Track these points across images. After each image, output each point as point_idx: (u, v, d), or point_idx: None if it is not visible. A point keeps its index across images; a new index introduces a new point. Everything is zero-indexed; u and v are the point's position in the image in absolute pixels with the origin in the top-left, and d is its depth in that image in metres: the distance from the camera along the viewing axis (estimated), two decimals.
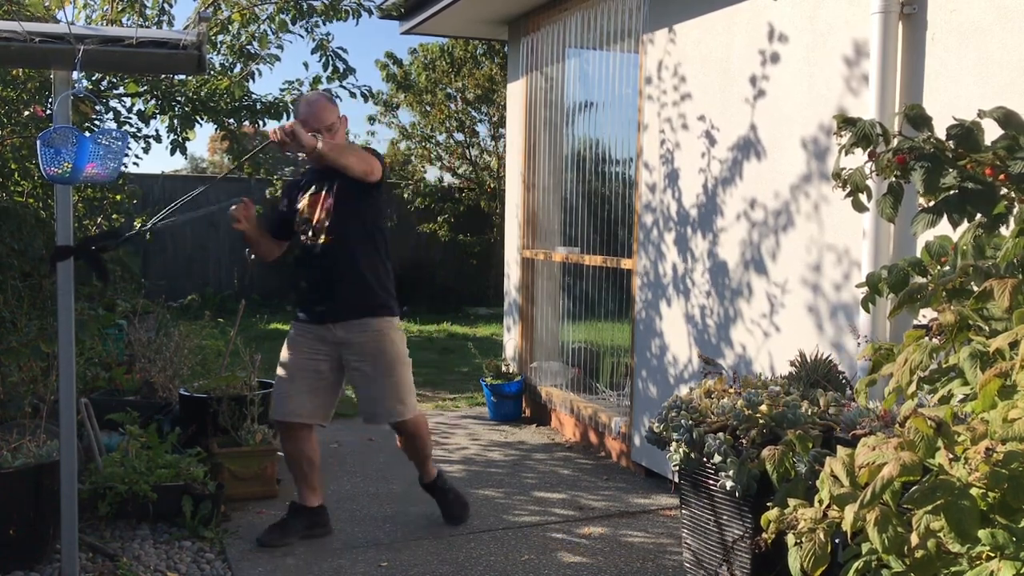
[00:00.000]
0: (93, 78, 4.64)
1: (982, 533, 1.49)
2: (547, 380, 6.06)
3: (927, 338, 1.88)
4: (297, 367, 3.76)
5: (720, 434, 3.06)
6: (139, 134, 4.97)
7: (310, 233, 3.72)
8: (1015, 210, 1.93)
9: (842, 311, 3.55)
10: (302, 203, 3.75)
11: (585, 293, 5.71)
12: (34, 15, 4.15)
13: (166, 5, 4.85)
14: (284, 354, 3.81)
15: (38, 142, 2.66)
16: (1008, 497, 1.52)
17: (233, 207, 3.63)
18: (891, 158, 1.98)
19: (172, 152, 5.05)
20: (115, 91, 4.80)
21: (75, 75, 2.88)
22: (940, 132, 2.02)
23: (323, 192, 3.70)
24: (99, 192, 5.39)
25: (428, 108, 13.32)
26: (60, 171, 2.67)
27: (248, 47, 4.93)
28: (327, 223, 3.67)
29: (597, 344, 5.88)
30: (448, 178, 13.99)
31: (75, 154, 2.66)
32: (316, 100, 3.70)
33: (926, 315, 2.22)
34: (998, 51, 2.93)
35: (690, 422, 3.17)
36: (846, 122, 2.08)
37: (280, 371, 3.81)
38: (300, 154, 3.46)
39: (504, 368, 6.31)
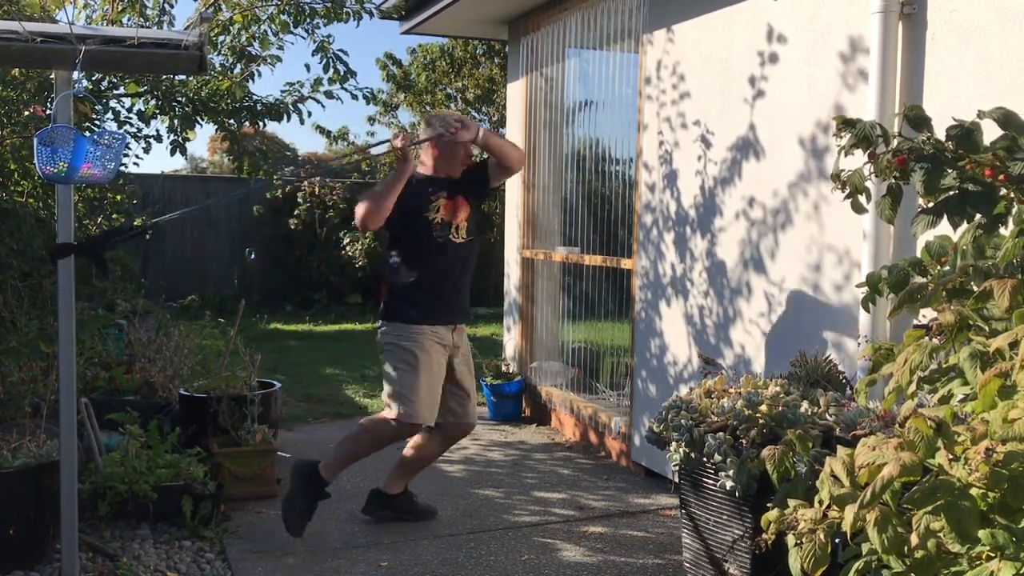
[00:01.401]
0: (93, 78, 4.64)
1: (982, 533, 1.49)
2: (547, 380, 6.06)
3: (927, 338, 1.89)
4: (438, 373, 3.84)
5: (720, 434, 3.06)
6: (139, 134, 4.97)
7: (450, 233, 3.86)
8: (1015, 210, 1.94)
9: (842, 311, 3.56)
10: (438, 206, 3.85)
11: (585, 293, 5.72)
12: (32, 16, 4.15)
13: (167, 5, 4.84)
14: (422, 356, 3.77)
15: (35, 141, 2.66)
16: (1008, 497, 1.52)
17: (393, 137, 3.88)
18: (891, 159, 1.98)
19: (172, 152, 5.04)
20: (115, 91, 4.79)
21: (75, 75, 2.88)
22: (940, 132, 2.02)
23: (458, 197, 3.89)
24: (99, 192, 5.39)
25: (428, 108, 13.31)
26: (56, 170, 2.67)
27: (249, 48, 4.93)
28: (468, 226, 3.91)
29: (597, 344, 5.88)
30: None
31: (71, 154, 2.65)
32: (474, 124, 3.92)
33: (926, 315, 2.22)
34: (998, 51, 2.93)
35: (690, 422, 3.17)
36: (846, 123, 2.08)
37: (418, 374, 3.75)
38: (465, 139, 3.77)
39: (504, 368, 6.31)
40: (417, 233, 3.84)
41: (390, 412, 3.79)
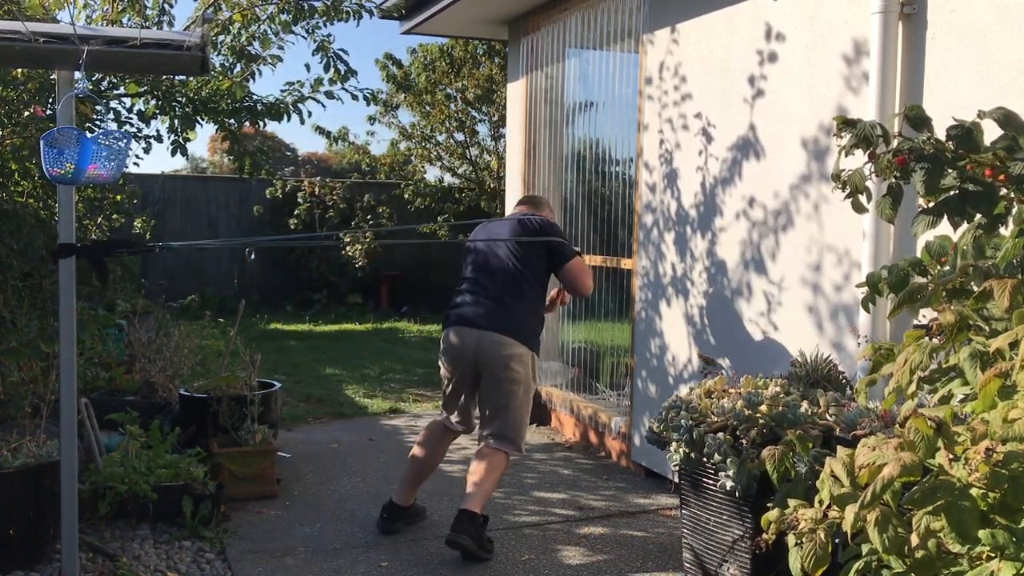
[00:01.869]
0: (93, 78, 4.64)
1: (982, 533, 1.49)
2: (547, 380, 6.06)
3: (927, 338, 1.89)
4: None
5: (720, 434, 3.07)
6: (140, 134, 4.96)
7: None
8: (1015, 210, 1.94)
9: (842, 311, 3.56)
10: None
11: None
12: (33, 16, 4.15)
13: (166, 5, 4.84)
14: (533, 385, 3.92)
15: (41, 143, 2.67)
16: (1008, 497, 1.52)
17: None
18: (891, 159, 1.98)
19: (173, 153, 5.04)
20: (115, 91, 4.79)
21: (77, 75, 2.88)
22: (940, 132, 2.02)
23: None
24: (99, 192, 5.39)
25: (428, 108, 13.32)
26: (63, 172, 2.68)
27: (249, 48, 4.92)
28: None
29: (597, 344, 5.88)
30: (448, 178, 14.00)
31: (78, 155, 2.66)
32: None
33: (926, 315, 2.22)
34: (998, 51, 2.93)
35: (690, 422, 3.17)
36: (846, 123, 2.08)
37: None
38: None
39: None
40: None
41: (509, 447, 3.78)
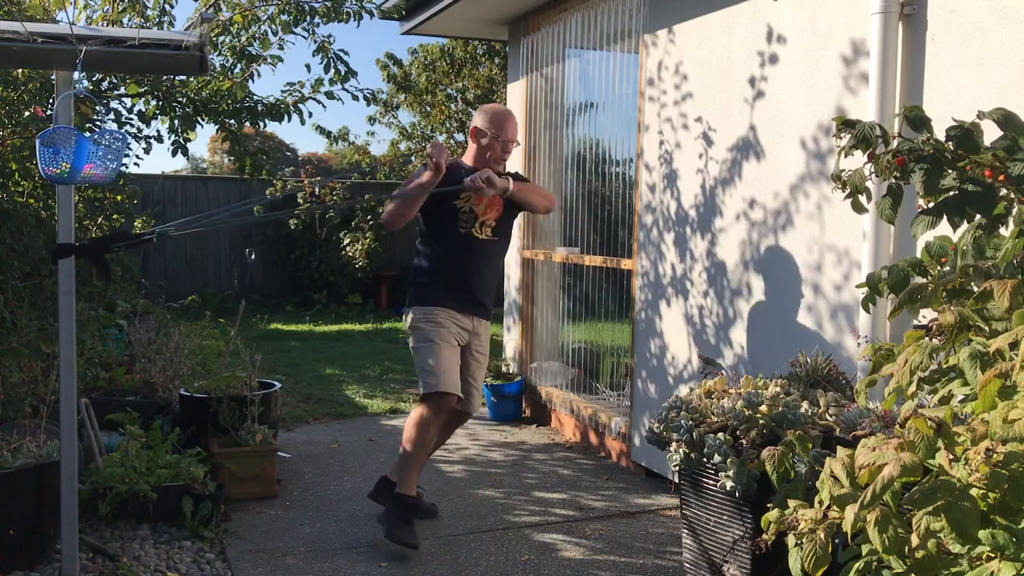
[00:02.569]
0: (94, 79, 4.64)
1: (982, 534, 1.49)
2: (547, 380, 6.06)
3: (927, 338, 1.89)
4: (456, 347, 3.93)
5: (720, 434, 3.07)
6: (140, 135, 4.97)
7: (473, 227, 3.93)
8: (1015, 211, 1.94)
9: (842, 311, 3.56)
10: (469, 196, 3.90)
11: (585, 293, 5.72)
12: (33, 16, 4.15)
13: (167, 6, 4.84)
14: (440, 331, 3.86)
15: (37, 142, 2.67)
16: (1008, 498, 1.52)
17: (430, 150, 3.79)
18: (891, 160, 1.99)
19: (173, 153, 5.04)
20: (116, 92, 4.80)
21: (76, 75, 2.88)
22: (940, 133, 2.02)
23: (496, 196, 3.92)
24: (99, 192, 5.39)
25: (428, 109, 13.33)
26: (58, 171, 2.68)
27: (249, 48, 4.93)
28: (495, 225, 3.97)
29: (597, 344, 5.88)
30: None
31: (73, 154, 2.66)
32: (511, 116, 3.99)
33: (926, 315, 2.22)
34: (998, 51, 2.93)
35: (690, 422, 3.17)
36: (846, 124, 2.08)
37: (437, 347, 3.83)
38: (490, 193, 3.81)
39: (504, 368, 6.32)
40: (441, 219, 3.93)
41: (422, 389, 3.86)
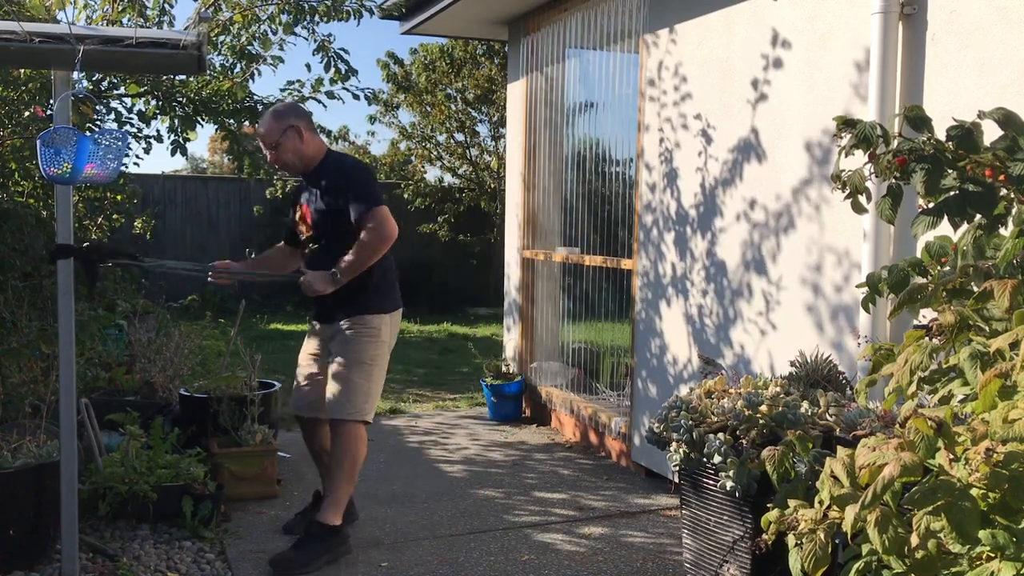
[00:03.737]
0: (94, 78, 4.64)
1: (982, 534, 1.49)
2: (547, 380, 6.06)
3: (927, 338, 1.89)
4: (303, 362, 3.90)
5: (720, 434, 3.06)
6: (140, 134, 4.97)
7: (301, 239, 3.83)
8: (1014, 211, 1.94)
9: (842, 311, 3.56)
10: (298, 212, 3.83)
11: (585, 293, 5.72)
12: (35, 16, 4.15)
13: (166, 5, 4.84)
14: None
15: (38, 142, 2.67)
16: (1008, 498, 1.52)
17: (210, 278, 3.77)
18: (891, 160, 1.98)
19: (173, 153, 5.04)
20: (116, 91, 4.79)
21: (75, 75, 2.88)
22: (940, 133, 2.02)
23: (308, 201, 3.75)
24: (99, 192, 5.39)
25: (428, 108, 13.32)
26: (60, 171, 2.68)
27: (249, 48, 4.93)
28: (310, 231, 3.74)
29: (597, 344, 5.88)
30: (448, 178, 14.01)
31: (74, 154, 2.66)
32: (261, 121, 3.75)
33: (926, 315, 2.22)
34: (998, 51, 2.93)
35: (690, 422, 3.17)
36: (846, 124, 2.08)
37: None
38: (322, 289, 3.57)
39: (504, 368, 6.32)
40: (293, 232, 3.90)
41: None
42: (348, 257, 3.51)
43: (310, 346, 3.87)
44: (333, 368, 3.65)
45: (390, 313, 3.71)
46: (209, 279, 3.77)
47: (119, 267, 4.20)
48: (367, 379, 3.64)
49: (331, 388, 3.65)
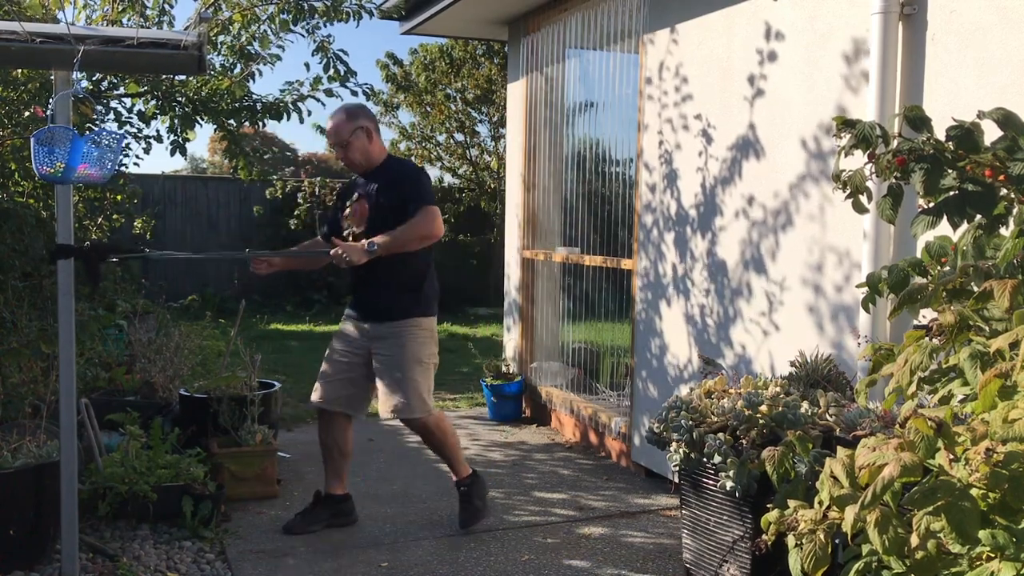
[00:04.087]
0: (94, 78, 4.64)
1: (982, 534, 1.49)
2: (547, 380, 6.06)
3: (927, 338, 1.88)
4: (337, 356, 3.99)
5: (720, 434, 3.06)
6: (140, 134, 4.97)
7: (348, 234, 3.88)
8: (1015, 211, 1.94)
9: (842, 311, 3.55)
10: (347, 210, 3.92)
11: (585, 293, 5.72)
12: (34, 16, 4.15)
13: (166, 5, 4.84)
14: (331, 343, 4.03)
15: (32, 140, 2.66)
16: (1008, 498, 1.52)
17: (251, 268, 3.84)
18: (891, 160, 1.98)
19: (172, 153, 5.04)
20: (115, 91, 4.79)
21: (75, 75, 2.87)
22: (940, 133, 2.02)
23: (362, 199, 3.86)
24: (99, 192, 5.39)
25: (428, 109, 13.32)
26: (53, 170, 2.67)
27: (248, 48, 4.92)
28: (361, 227, 3.83)
29: (597, 344, 5.88)
30: (448, 178, 14.01)
31: (68, 154, 2.65)
32: (333, 116, 3.87)
33: (926, 315, 2.22)
34: (998, 51, 2.93)
35: (690, 422, 3.17)
36: (846, 124, 2.08)
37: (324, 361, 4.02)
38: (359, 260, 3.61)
39: (504, 368, 6.31)
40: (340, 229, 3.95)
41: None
42: (389, 234, 3.62)
43: (346, 342, 3.96)
44: (388, 370, 3.80)
45: (435, 316, 3.93)
46: (252, 268, 3.85)
47: (160, 260, 4.35)
48: (426, 377, 3.86)
49: (391, 391, 3.80)
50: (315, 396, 4.00)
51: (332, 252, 3.60)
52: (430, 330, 3.87)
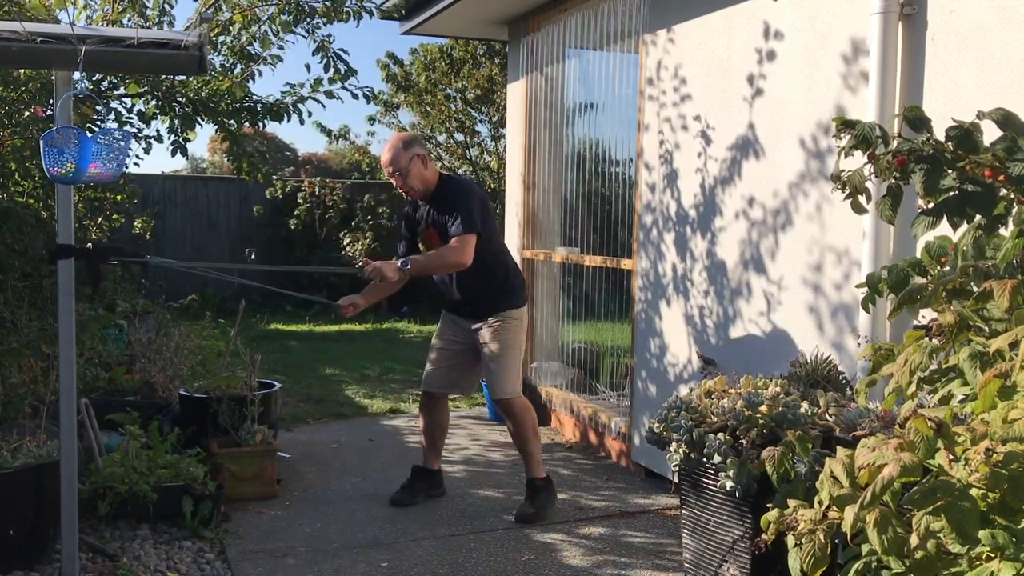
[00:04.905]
0: (94, 78, 4.64)
1: (982, 534, 1.49)
2: (547, 380, 6.06)
3: (927, 338, 1.89)
4: (441, 346, 4.37)
5: (720, 434, 3.07)
6: (140, 134, 4.97)
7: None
8: (1014, 211, 1.94)
9: (842, 311, 3.56)
10: (420, 235, 4.26)
11: (585, 293, 5.72)
12: (35, 16, 4.15)
13: (167, 6, 4.84)
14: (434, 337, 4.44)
15: (41, 143, 2.67)
16: (1008, 498, 1.52)
17: (341, 309, 4.13)
18: (890, 160, 1.98)
19: (173, 153, 5.04)
20: (116, 92, 4.79)
21: (76, 75, 2.88)
22: (940, 133, 2.02)
23: (430, 226, 4.17)
24: (99, 192, 5.39)
25: (428, 108, 13.33)
26: (63, 171, 2.68)
27: (249, 48, 4.92)
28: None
29: (597, 344, 5.88)
30: None
31: (78, 154, 2.66)
32: (389, 148, 4.10)
33: (926, 315, 2.22)
34: (998, 51, 2.93)
35: (690, 422, 3.17)
36: (845, 124, 2.08)
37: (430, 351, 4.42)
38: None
39: None
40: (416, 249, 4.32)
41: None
42: (425, 256, 4.07)
43: (448, 334, 4.34)
44: (489, 355, 4.17)
45: (524, 306, 4.28)
46: (342, 313, 4.17)
47: (127, 263, 4.50)
48: (517, 361, 4.24)
49: (491, 372, 4.19)
50: (424, 382, 4.40)
51: (367, 269, 3.92)
52: (520, 319, 4.24)
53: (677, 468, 3.29)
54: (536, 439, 4.24)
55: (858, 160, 2.09)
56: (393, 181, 4.13)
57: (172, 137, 4.91)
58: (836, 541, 1.85)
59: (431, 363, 4.37)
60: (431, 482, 4.40)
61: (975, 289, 1.89)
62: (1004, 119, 2.01)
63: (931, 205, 2.00)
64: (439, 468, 4.46)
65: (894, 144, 2.03)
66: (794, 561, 1.82)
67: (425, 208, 4.19)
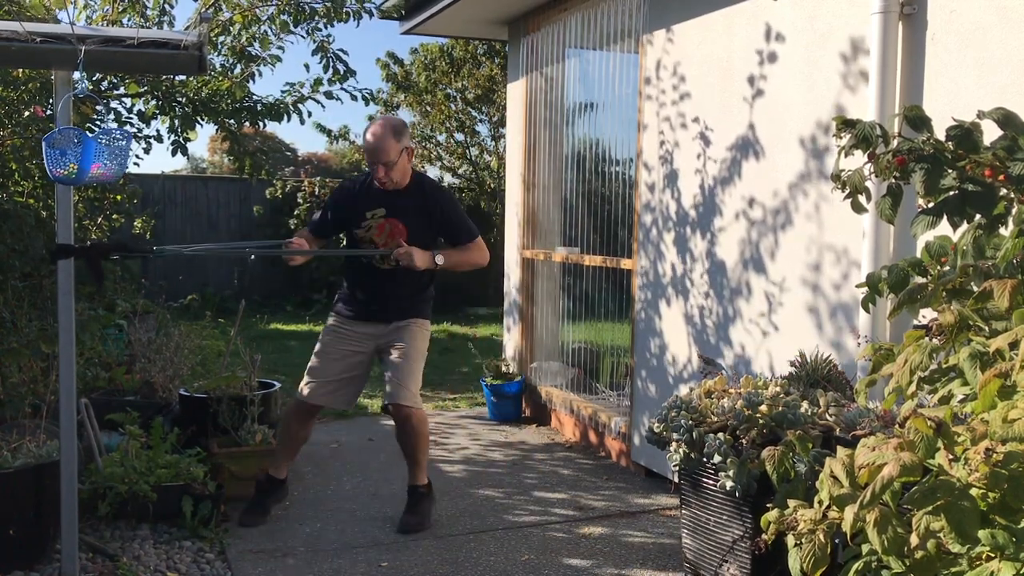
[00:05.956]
0: (94, 78, 4.64)
1: (982, 533, 1.49)
2: (547, 380, 6.06)
3: (927, 338, 1.89)
4: (333, 355, 4.05)
5: (720, 434, 3.07)
6: (140, 134, 4.97)
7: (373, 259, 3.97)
8: (1014, 210, 1.94)
9: (842, 311, 3.56)
10: (369, 223, 3.96)
11: (585, 293, 5.72)
12: (35, 16, 4.15)
13: (167, 6, 4.84)
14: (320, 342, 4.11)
15: (43, 144, 2.67)
16: (1008, 497, 1.52)
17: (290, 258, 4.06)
18: (891, 159, 1.98)
19: (173, 153, 5.04)
20: (116, 91, 4.79)
21: (76, 75, 2.88)
22: (940, 132, 2.02)
23: (394, 218, 3.93)
24: (99, 192, 5.39)
25: (428, 108, 13.33)
26: (66, 172, 2.68)
27: (249, 48, 4.92)
28: (387, 243, 3.93)
29: (597, 344, 5.88)
30: (448, 178, 14.00)
31: (80, 155, 2.66)
32: (377, 134, 3.87)
33: (926, 315, 2.22)
34: (998, 51, 2.93)
35: (690, 422, 3.17)
36: (845, 124, 2.08)
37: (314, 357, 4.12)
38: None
39: (504, 368, 6.31)
40: (336, 229, 4.19)
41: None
42: (451, 254, 3.97)
43: (345, 342, 4.03)
44: (396, 358, 3.93)
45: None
46: (286, 259, 4.06)
47: (161, 256, 4.40)
48: (420, 370, 4.02)
49: (396, 376, 3.91)
50: (304, 392, 4.03)
51: (399, 251, 3.78)
52: (428, 330, 4.14)
53: (677, 468, 3.29)
54: (427, 448, 4.09)
55: (858, 160, 2.09)
56: (376, 170, 3.86)
57: (172, 137, 4.91)
58: (836, 541, 1.85)
59: (318, 374, 4.00)
60: (279, 493, 4.14)
61: (975, 289, 1.90)
62: (1004, 119, 2.01)
63: (931, 205, 2.00)
64: (286, 477, 4.17)
65: (894, 143, 2.03)
66: (794, 561, 1.82)
67: (384, 197, 3.92)
